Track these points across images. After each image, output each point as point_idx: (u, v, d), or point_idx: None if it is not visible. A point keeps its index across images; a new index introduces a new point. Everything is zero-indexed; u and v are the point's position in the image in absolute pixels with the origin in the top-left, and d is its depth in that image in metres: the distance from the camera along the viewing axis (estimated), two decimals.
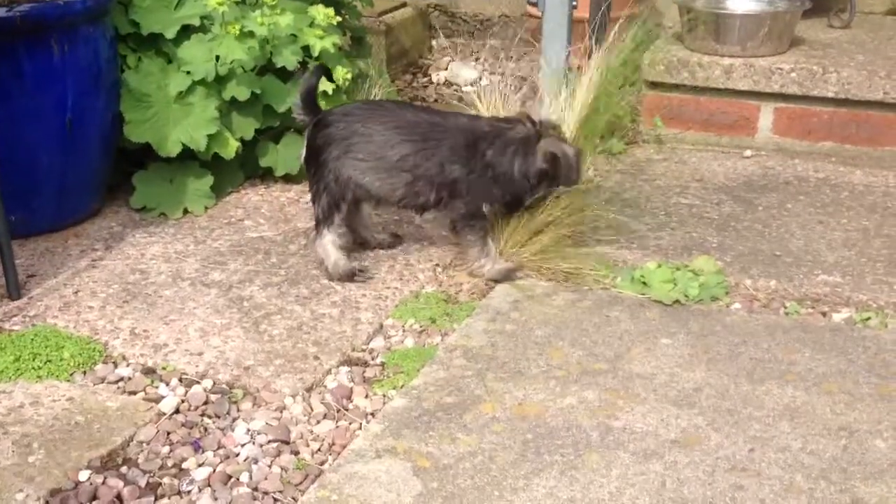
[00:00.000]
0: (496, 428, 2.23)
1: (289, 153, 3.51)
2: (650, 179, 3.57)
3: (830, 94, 3.63)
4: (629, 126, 3.91)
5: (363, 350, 2.57)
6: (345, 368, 2.48)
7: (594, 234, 3.13)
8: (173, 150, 3.23)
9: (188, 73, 3.26)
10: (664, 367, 2.45)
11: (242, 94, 3.31)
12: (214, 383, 2.40)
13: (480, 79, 4.67)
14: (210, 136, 3.26)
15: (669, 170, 3.66)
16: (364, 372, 2.47)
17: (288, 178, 3.55)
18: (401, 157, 2.77)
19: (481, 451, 2.15)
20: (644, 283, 2.81)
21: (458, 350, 2.53)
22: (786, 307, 2.75)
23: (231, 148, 3.34)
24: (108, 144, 3.23)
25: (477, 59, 4.92)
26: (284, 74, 3.43)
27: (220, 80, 3.30)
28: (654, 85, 3.86)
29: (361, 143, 2.79)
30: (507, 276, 2.88)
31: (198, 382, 2.40)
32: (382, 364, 2.52)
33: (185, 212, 3.31)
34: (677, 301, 2.74)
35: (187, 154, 3.29)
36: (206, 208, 3.34)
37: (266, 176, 3.57)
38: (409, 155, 2.77)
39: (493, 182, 2.79)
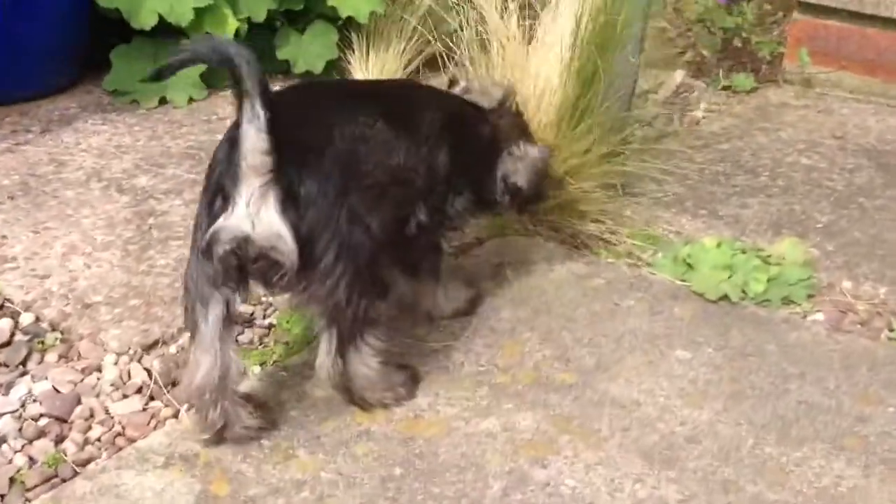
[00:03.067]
0: (359, 449, 1.48)
1: (314, 46, 2.83)
2: (771, 129, 2.66)
3: None
4: (766, 58, 2.98)
5: (258, 303, 1.87)
6: None
7: (658, 187, 2.28)
8: (147, 21, 2.60)
9: None
10: (660, 394, 1.62)
11: None
12: (37, 319, 1.78)
13: None
14: (199, 10, 2.62)
15: (804, 120, 2.72)
16: (240, 334, 1.77)
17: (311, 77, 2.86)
18: None
19: (315, 483, 1.41)
20: (689, 266, 1.96)
21: None
22: (892, 329, 1.84)
23: (230, 28, 2.68)
24: (75, 9, 2.63)
25: None
26: None
27: None
28: (808, 7, 2.90)
29: None
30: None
31: (15, 315, 1.78)
32: (270, 326, 1.81)
33: (164, 101, 2.69)
34: (726, 297, 1.88)
35: (179, 30, 2.64)
36: (192, 100, 2.70)
37: (289, 72, 2.88)
38: None
39: None
